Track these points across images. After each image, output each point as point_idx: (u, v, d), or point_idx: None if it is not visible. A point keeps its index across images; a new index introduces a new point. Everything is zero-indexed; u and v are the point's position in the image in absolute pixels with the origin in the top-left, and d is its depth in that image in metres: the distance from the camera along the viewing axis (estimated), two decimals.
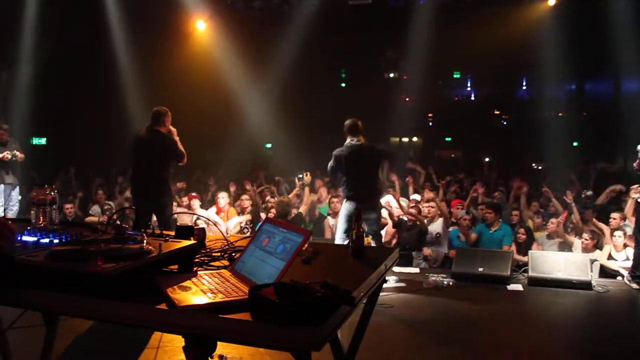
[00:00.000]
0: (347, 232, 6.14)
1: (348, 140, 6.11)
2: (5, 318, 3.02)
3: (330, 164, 6.19)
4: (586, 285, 5.77)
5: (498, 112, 23.16)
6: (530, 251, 6.39)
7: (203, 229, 2.77)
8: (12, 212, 8.38)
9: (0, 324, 3.03)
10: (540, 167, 14.64)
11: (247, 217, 8.01)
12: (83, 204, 9.45)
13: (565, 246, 6.95)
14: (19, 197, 8.69)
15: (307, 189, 7.61)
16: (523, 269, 6.31)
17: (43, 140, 12.82)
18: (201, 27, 12.13)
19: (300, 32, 12.41)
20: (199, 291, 1.80)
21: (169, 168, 6.12)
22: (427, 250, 7.18)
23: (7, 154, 8.17)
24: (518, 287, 5.91)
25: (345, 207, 6.17)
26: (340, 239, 6.14)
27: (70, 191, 9.83)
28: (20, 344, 3.37)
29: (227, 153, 12.47)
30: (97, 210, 8.98)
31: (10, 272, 1.87)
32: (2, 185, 8.37)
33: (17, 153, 8.32)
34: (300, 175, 7.56)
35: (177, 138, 6.13)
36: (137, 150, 6.11)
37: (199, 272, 2.04)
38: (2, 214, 8.04)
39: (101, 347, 3.95)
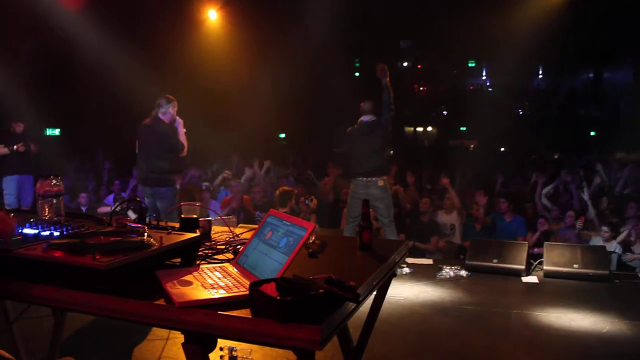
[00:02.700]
0: (352, 214, 6.15)
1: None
2: (13, 309, 3.02)
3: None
4: (604, 278, 5.64)
5: (514, 101, 22.84)
6: (545, 243, 6.24)
7: (209, 220, 2.72)
8: (27, 203, 8.43)
9: (8, 315, 3.03)
10: (556, 157, 14.43)
11: None
12: (100, 193, 9.53)
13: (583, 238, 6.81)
14: (33, 189, 8.74)
15: (313, 216, 7.22)
16: (538, 261, 6.19)
17: (57, 131, 12.89)
18: (213, 16, 12.07)
19: (313, 21, 12.29)
20: (200, 286, 1.74)
21: (169, 157, 5.99)
22: (440, 242, 7.10)
23: (21, 145, 8.21)
24: (533, 279, 5.80)
25: (350, 188, 6.23)
26: (347, 223, 6.18)
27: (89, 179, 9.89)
28: (29, 334, 3.38)
29: (240, 142, 12.43)
30: (111, 200, 9.02)
31: (7, 265, 1.84)
32: (16, 176, 8.42)
33: (31, 144, 8.36)
34: (307, 202, 7.29)
35: (183, 130, 6.02)
36: (140, 137, 6.06)
37: (201, 266, 1.99)
38: (17, 205, 8.09)
39: (110, 337, 3.94)
